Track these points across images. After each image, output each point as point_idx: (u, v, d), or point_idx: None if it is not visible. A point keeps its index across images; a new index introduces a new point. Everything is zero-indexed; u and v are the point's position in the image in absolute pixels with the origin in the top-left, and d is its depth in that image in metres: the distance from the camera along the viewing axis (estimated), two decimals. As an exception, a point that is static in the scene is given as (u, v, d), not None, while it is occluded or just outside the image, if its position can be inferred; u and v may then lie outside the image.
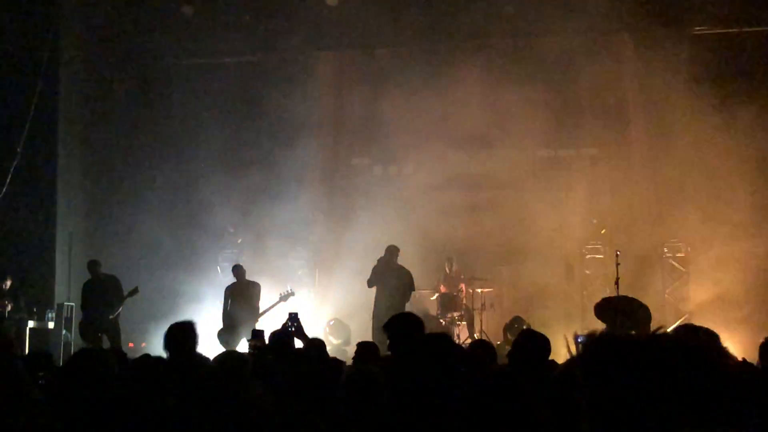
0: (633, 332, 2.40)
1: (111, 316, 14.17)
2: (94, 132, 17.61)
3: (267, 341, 7.73)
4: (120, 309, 14.34)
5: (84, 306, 14.49)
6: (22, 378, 2.28)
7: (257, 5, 17.23)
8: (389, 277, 14.24)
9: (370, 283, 14.42)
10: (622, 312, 12.16)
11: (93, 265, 14.59)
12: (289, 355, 7.10)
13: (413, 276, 14.63)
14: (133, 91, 17.80)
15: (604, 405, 1.94)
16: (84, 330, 14.28)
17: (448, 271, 16.03)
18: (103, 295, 14.27)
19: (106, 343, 13.84)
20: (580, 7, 16.06)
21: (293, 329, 7.68)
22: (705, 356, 1.97)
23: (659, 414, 1.90)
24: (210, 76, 17.95)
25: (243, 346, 13.04)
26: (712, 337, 4.55)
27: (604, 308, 12.48)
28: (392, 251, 14.46)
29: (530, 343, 5.83)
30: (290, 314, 7.86)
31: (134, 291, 14.33)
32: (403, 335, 5.70)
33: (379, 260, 14.47)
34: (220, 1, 17.11)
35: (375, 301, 14.29)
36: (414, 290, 14.54)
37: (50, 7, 16.05)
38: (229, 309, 14.35)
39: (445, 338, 4.16)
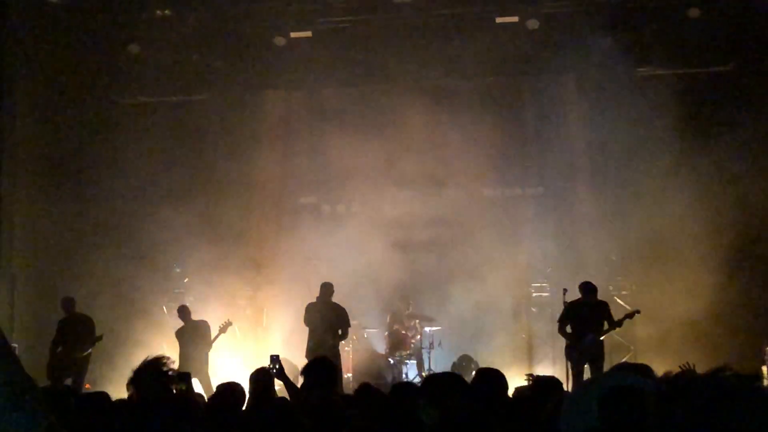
0: None
1: (81, 354, 13.96)
2: (38, 169, 17.35)
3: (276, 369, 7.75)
4: (90, 350, 14.18)
5: (56, 343, 14.18)
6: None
7: (204, 45, 17.24)
8: (323, 314, 14.19)
9: (305, 322, 14.37)
10: None
11: (67, 303, 14.47)
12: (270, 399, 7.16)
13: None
14: (78, 128, 17.59)
15: None
16: (51, 367, 13.96)
17: (405, 310, 16.01)
18: (76, 333, 14.10)
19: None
20: (524, 48, 16.42)
21: (275, 371, 7.70)
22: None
23: None
24: (155, 115, 17.83)
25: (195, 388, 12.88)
26: (648, 371, 4.68)
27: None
28: (325, 289, 14.43)
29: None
30: (272, 356, 7.90)
31: (98, 338, 14.21)
32: (318, 380, 6.66)
33: (317, 298, 14.45)
34: (167, 39, 17.07)
35: (308, 340, 14.20)
36: (349, 326, 14.49)
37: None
38: (180, 352, 14.22)
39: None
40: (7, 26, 16.09)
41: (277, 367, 7.76)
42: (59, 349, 14.09)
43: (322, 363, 7.07)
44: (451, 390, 4.18)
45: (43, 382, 13.24)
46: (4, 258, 16.15)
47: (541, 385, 5.67)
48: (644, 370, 4.70)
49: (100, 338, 14.23)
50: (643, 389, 2.50)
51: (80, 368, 14.02)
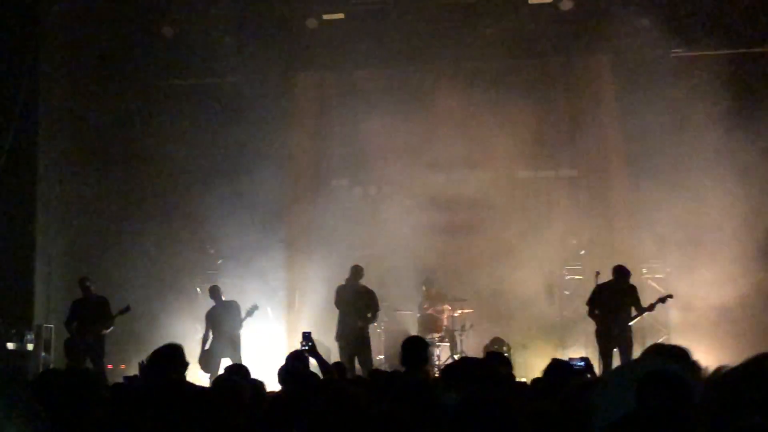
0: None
1: (94, 336, 13.92)
2: (75, 152, 17.51)
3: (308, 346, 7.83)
4: (107, 330, 14.13)
5: (69, 323, 14.19)
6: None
7: (237, 27, 17.25)
8: (352, 297, 14.27)
9: (336, 304, 14.43)
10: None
11: (83, 282, 14.36)
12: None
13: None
14: (112, 110, 17.71)
15: None
16: (69, 348, 14.06)
17: (427, 291, 16.00)
18: (91, 314, 14.04)
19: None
20: (558, 29, 16.29)
21: (308, 348, 7.74)
22: None
23: None
24: (189, 97, 17.91)
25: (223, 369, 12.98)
26: (685, 354, 4.60)
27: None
28: (354, 271, 14.48)
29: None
30: (304, 333, 7.94)
31: (126, 309, 14.00)
32: (415, 356, 7.22)
33: (346, 281, 14.49)
34: (201, 22, 17.10)
35: (338, 323, 14.31)
36: (378, 309, 14.52)
37: (30, 30, 15.98)
38: (211, 333, 14.38)
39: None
40: (45, 10, 16.20)
41: (310, 344, 7.78)
42: (73, 328, 14.06)
43: (417, 342, 7.56)
44: (467, 374, 4.26)
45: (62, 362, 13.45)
46: (40, 237, 16.34)
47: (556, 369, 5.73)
48: (681, 353, 4.62)
49: (127, 309, 13.98)
50: (682, 375, 2.48)
51: (96, 350, 13.93)
